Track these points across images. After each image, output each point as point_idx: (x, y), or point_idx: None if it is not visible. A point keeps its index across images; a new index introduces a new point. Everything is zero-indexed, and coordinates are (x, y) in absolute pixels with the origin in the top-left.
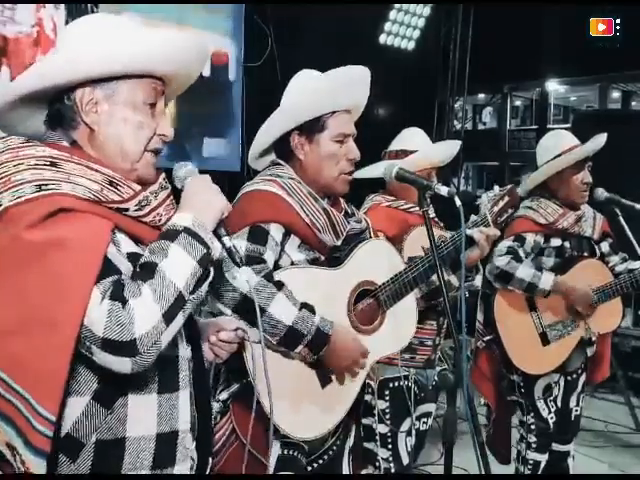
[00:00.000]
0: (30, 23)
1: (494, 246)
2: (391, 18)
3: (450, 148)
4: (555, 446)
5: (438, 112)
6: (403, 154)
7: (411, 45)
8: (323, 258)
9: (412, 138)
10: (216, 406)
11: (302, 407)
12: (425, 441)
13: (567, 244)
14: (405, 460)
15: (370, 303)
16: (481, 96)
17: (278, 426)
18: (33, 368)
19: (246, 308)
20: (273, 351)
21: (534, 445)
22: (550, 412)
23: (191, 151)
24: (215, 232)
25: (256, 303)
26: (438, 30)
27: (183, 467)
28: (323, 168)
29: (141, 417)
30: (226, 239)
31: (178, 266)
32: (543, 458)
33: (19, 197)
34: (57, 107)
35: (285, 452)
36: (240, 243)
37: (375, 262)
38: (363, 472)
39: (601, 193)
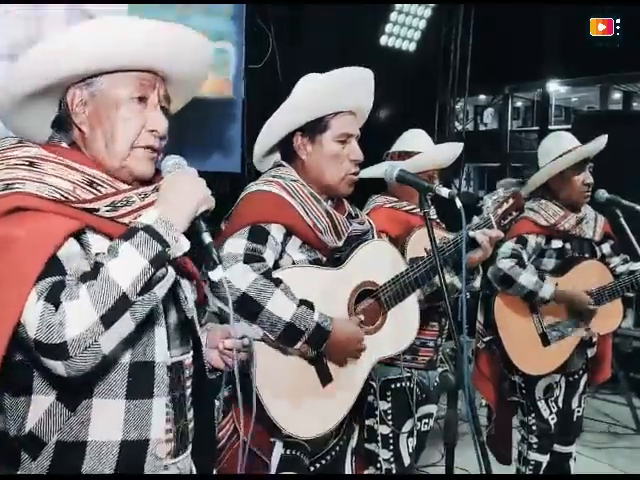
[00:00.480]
0: None
1: (497, 247)
2: (392, 20)
3: (452, 150)
4: (557, 447)
5: (439, 113)
6: (406, 155)
7: (412, 46)
8: (325, 259)
9: (415, 140)
10: (217, 404)
11: (302, 406)
12: (426, 442)
13: (568, 245)
14: (406, 461)
15: (371, 303)
16: (482, 97)
17: (279, 425)
18: None
19: (244, 306)
20: (273, 349)
21: (535, 446)
22: (551, 413)
23: (192, 152)
24: (193, 227)
25: (230, 301)
26: (439, 31)
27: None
28: (326, 169)
29: (105, 421)
30: (205, 235)
31: (125, 266)
32: (544, 459)
33: None
34: (58, 110)
35: (288, 452)
36: (240, 242)
37: (376, 262)
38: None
39: (602, 194)
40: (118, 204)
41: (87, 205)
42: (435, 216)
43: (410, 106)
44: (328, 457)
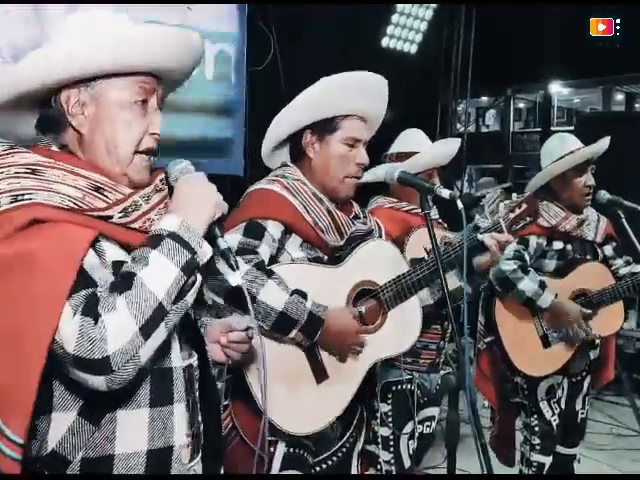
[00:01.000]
0: None
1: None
2: (393, 22)
3: (450, 146)
4: (561, 449)
5: (441, 115)
6: (404, 156)
7: (413, 48)
8: (326, 258)
9: (412, 139)
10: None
11: (296, 402)
12: (429, 444)
13: (569, 247)
14: (407, 463)
15: (371, 303)
16: (484, 99)
17: (272, 421)
18: (1, 388)
19: (237, 296)
20: (267, 345)
21: (538, 447)
22: (554, 414)
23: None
24: (210, 233)
25: (249, 301)
26: (440, 33)
27: None
28: (330, 169)
29: (131, 433)
30: (221, 241)
31: (159, 275)
32: (547, 460)
33: None
34: (46, 110)
35: (291, 450)
36: (235, 237)
37: (377, 262)
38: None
39: (603, 195)
40: (129, 209)
41: (102, 213)
42: (437, 216)
43: (412, 108)
44: (334, 458)
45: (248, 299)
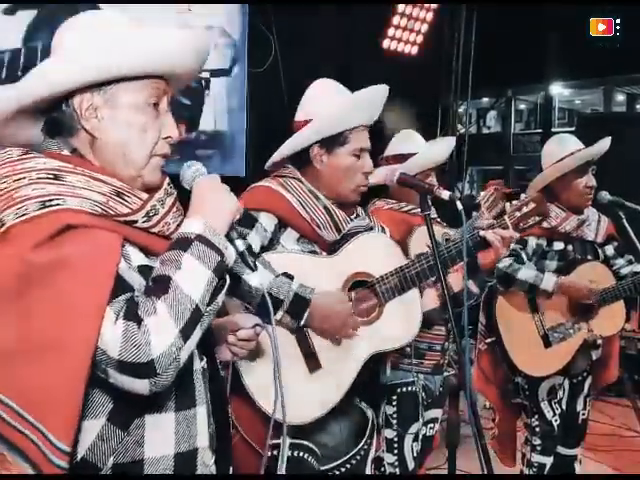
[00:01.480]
0: None
1: None
2: (394, 23)
3: (446, 145)
4: (562, 450)
5: (442, 116)
6: (401, 158)
7: (414, 50)
8: (324, 253)
9: (407, 141)
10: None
11: (287, 390)
12: (432, 446)
13: (570, 247)
14: (411, 465)
15: (366, 294)
16: (485, 100)
17: (261, 407)
18: (45, 396)
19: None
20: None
21: (539, 448)
22: (555, 414)
23: (195, 156)
24: (227, 235)
25: (270, 305)
26: (441, 35)
27: None
28: (340, 181)
29: (159, 437)
30: (239, 242)
31: (193, 278)
32: (548, 461)
33: (23, 215)
34: (55, 114)
35: (295, 454)
36: None
37: (372, 254)
38: None
39: (604, 196)
40: (150, 214)
41: (128, 217)
42: (435, 215)
43: (413, 110)
44: (348, 465)
45: (267, 297)
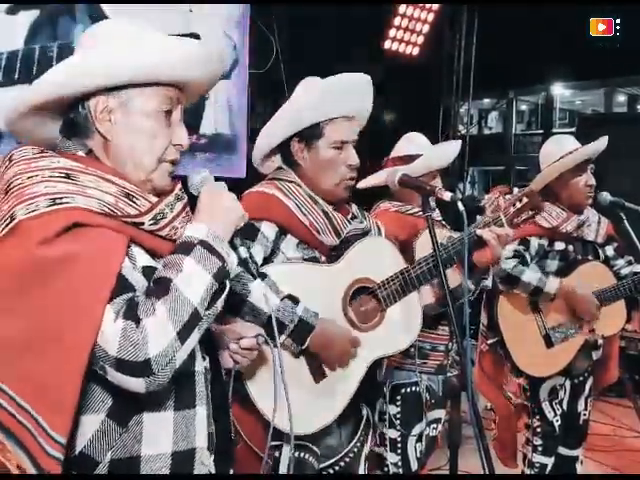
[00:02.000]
0: None
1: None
2: (395, 24)
3: (451, 148)
4: (564, 451)
5: (443, 117)
6: (407, 159)
7: (415, 51)
8: (323, 258)
9: (413, 143)
10: None
11: (294, 401)
12: (435, 446)
13: (571, 247)
14: (414, 466)
15: (368, 301)
16: (486, 101)
17: (268, 419)
18: (44, 387)
19: (227, 299)
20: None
21: (540, 448)
22: (556, 415)
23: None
24: (230, 242)
25: (273, 319)
26: (442, 36)
27: None
28: (322, 175)
29: (157, 435)
30: (242, 250)
31: (193, 281)
32: (549, 461)
33: (33, 211)
34: (72, 115)
35: (296, 455)
36: None
37: (373, 259)
38: None
39: (605, 197)
40: (158, 217)
41: (136, 219)
42: (440, 217)
43: (414, 110)
44: (342, 463)
45: (264, 303)
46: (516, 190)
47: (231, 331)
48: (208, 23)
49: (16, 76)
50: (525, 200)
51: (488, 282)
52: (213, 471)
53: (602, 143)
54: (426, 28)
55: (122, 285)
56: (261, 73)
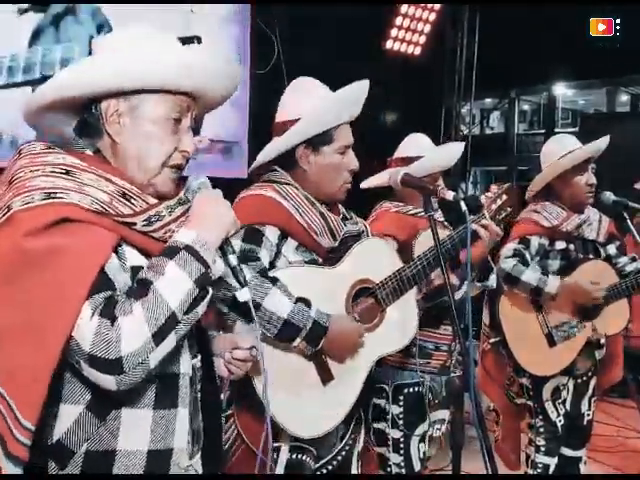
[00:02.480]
0: None
1: (500, 249)
2: (397, 24)
3: (454, 150)
4: (568, 451)
5: (445, 117)
6: (409, 160)
7: (417, 51)
8: (321, 260)
9: (415, 144)
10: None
11: (303, 404)
12: (437, 446)
13: (572, 247)
14: (417, 466)
15: (369, 301)
16: (488, 101)
17: (282, 426)
18: (18, 374)
19: (240, 304)
20: (272, 348)
21: (543, 448)
22: (559, 415)
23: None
24: (221, 249)
25: (256, 323)
26: (444, 35)
27: None
28: (327, 179)
29: (133, 431)
30: (232, 257)
31: (173, 285)
32: (552, 462)
33: (28, 203)
34: (86, 116)
35: (294, 456)
36: (234, 242)
37: (371, 260)
38: None
39: (609, 196)
40: (152, 219)
41: (127, 219)
42: (442, 218)
43: (415, 110)
44: (334, 462)
45: (254, 313)
46: (495, 188)
47: (228, 340)
48: (208, 23)
49: (19, 78)
50: (505, 197)
51: (492, 282)
52: (200, 471)
53: (603, 142)
54: (428, 28)
55: (103, 282)
56: (262, 73)
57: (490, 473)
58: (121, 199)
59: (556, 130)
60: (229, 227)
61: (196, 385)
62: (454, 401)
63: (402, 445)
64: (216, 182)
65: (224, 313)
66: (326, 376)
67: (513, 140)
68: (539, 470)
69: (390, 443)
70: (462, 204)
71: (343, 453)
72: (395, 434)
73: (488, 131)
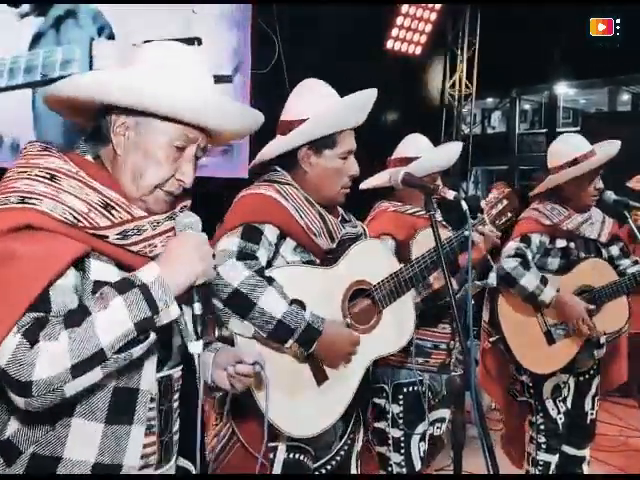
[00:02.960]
0: None
1: (502, 247)
2: (398, 24)
3: (452, 150)
4: (571, 450)
5: (446, 117)
6: (408, 160)
7: (418, 50)
8: (318, 261)
9: (415, 144)
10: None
11: (298, 404)
12: (438, 446)
13: (572, 245)
14: (417, 465)
15: (365, 303)
16: (489, 100)
17: (276, 425)
18: None
19: (236, 302)
20: (267, 351)
21: (544, 446)
22: (559, 412)
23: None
24: (189, 294)
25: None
26: (445, 35)
27: None
28: (327, 183)
29: (81, 442)
30: (197, 306)
31: (111, 322)
32: (553, 459)
33: (4, 204)
34: (98, 122)
35: (291, 456)
36: (233, 240)
37: (369, 262)
38: None
39: (610, 196)
40: (129, 232)
41: (97, 231)
42: (441, 218)
43: (417, 110)
44: (333, 462)
45: (198, 368)
46: (494, 192)
47: (231, 354)
48: (209, 23)
49: (20, 80)
50: (505, 202)
51: (492, 280)
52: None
53: (615, 147)
54: (429, 27)
55: (40, 303)
56: (263, 73)
57: (491, 472)
58: (100, 210)
59: (557, 130)
60: (198, 275)
61: (172, 395)
62: (455, 400)
63: (402, 444)
64: (216, 182)
65: (219, 309)
66: (321, 376)
67: (514, 140)
68: (540, 467)
69: (390, 442)
70: (463, 203)
71: (342, 453)
72: (395, 433)
73: (489, 131)
